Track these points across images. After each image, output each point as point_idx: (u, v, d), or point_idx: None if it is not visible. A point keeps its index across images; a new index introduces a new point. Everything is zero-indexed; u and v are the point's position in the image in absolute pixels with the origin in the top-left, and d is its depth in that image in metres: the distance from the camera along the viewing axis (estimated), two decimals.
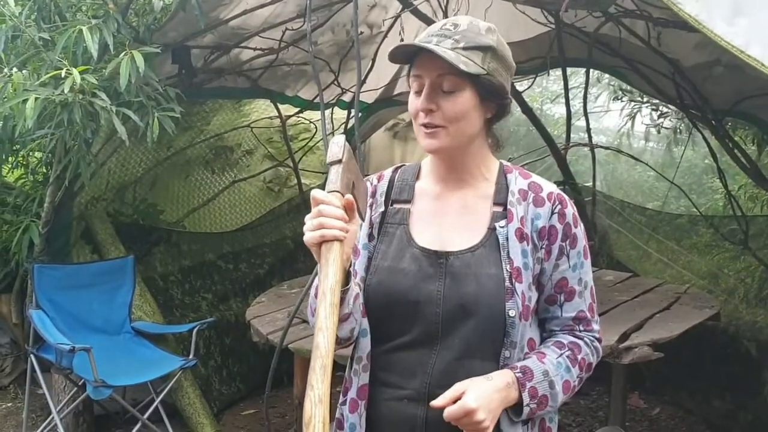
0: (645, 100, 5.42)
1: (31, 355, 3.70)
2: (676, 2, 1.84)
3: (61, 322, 3.74)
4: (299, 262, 5.17)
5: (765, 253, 4.07)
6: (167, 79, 3.76)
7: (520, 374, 1.37)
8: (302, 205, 5.49)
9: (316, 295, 1.36)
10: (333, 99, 5.12)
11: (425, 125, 1.41)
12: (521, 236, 1.42)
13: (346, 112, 5.44)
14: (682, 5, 1.83)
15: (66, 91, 2.93)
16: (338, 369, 1.38)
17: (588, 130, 5.23)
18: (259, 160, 5.65)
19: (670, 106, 4.95)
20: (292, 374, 3.80)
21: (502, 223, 1.44)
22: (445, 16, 3.98)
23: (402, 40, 4.17)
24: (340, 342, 1.41)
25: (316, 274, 1.34)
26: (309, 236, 1.27)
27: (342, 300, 1.32)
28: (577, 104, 5.65)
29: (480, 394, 1.32)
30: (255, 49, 4.40)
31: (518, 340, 1.39)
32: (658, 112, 5.52)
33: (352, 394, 1.48)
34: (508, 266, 1.40)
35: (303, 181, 5.63)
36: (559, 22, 4.21)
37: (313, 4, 3.23)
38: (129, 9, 3.48)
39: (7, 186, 4.38)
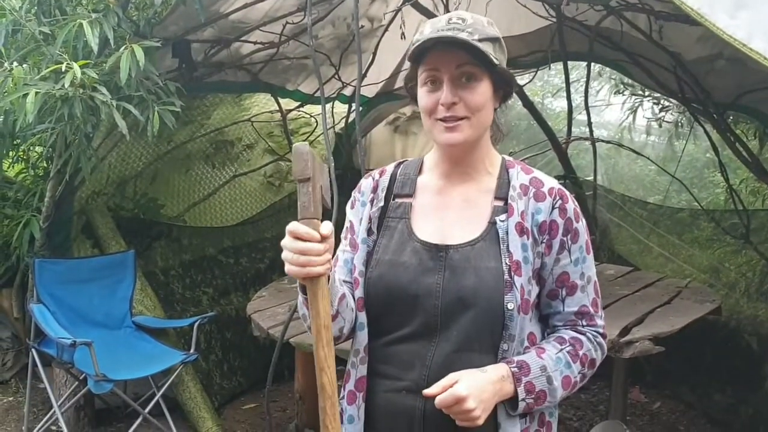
0: (646, 93, 5.40)
1: (33, 350, 3.70)
2: None
3: (62, 317, 3.74)
4: None
5: (766, 247, 4.07)
6: (168, 73, 3.75)
7: (516, 369, 1.37)
8: None
9: (304, 305, 1.41)
10: (334, 93, 5.11)
11: (445, 119, 1.41)
12: (521, 230, 1.43)
13: (346, 106, 5.43)
14: None
15: (66, 85, 2.93)
16: (340, 363, 1.39)
17: (589, 124, 5.22)
18: (259, 154, 5.64)
19: (671, 99, 4.94)
20: (293, 368, 3.82)
21: (503, 217, 1.44)
22: (447, 9, 3.97)
23: (403, 33, 4.16)
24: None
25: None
26: (294, 271, 1.28)
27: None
28: (578, 98, 5.63)
29: (472, 383, 1.33)
30: (255, 42, 4.40)
31: (517, 334, 1.40)
32: (660, 106, 5.51)
33: (350, 386, 1.50)
34: (507, 260, 1.41)
35: None
36: (560, 16, 4.20)
37: None
38: (129, 3, 3.47)
39: (8, 180, 4.38)
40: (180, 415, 3.83)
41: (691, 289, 3.58)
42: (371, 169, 1.65)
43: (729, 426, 3.90)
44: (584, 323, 1.48)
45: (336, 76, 4.84)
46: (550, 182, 1.49)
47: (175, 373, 3.69)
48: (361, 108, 4.77)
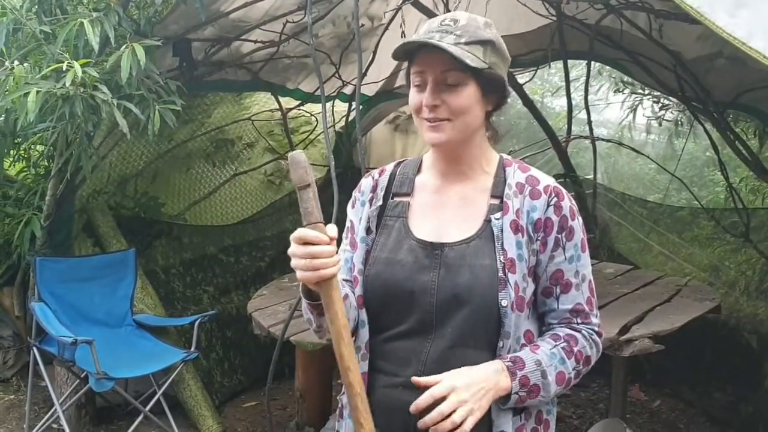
0: (646, 92, 5.40)
1: (34, 348, 3.71)
2: None
3: (63, 315, 3.75)
4: None
5: (766, 245, 4.07)
6: (168, 72, 3.76)
7: (510, 363, 1.38)
8: None
9: (309, 310, 1.44)
10: (334, 92, 5.11)
11: (429, 119, 1.43)
12: (516, 228, 1.44)
13: (347, 104, 5.44)
14: None
15: (67, 84, 2.93)
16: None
17: (589, 122, 5.22)
18: (260, 153, 5.64)
19: (671, 98, 4.94)
20: (293, 367, 3.82)
21: (498, 215, 1.46)
22: (447, 8, 3.97)
23: (403, 32, 4.17)
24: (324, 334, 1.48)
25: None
26: (307, 277, 1.30)
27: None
28: (578, 97, 5.63)
29: (463, 375, 1.35)
30: (256, 41, 4.40)
31: (512, 331, 1.41)
32: (660, 105, 5.51)
33: None
34: (501, 257, 1.42)
35: None
36: (560, 15, 4.21)
37: None
38: (130, 2, 3.47)
39: (9, 179, 4.38)
40: (181, 413, 3.84)
41: (691, 288, 3.59)
42: (371, 168, 1.67)
43: (729, 424, 3.91)
44: (579, 321, 1.49)
45: (336, 75, 4.84)
46: (546, 180, 1.50)
47: (176, 372, 3.70)
48: (361, 107, 4.77)
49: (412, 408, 1.34)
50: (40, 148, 4.36)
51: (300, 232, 1.30)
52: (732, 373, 3.95)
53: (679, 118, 5.51)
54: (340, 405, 1.57)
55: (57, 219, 3.89)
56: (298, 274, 1.30)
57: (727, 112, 4.18)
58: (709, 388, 4.10)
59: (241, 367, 4.55)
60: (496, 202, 1.48)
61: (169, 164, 5.00)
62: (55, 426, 3.77)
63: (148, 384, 3.84)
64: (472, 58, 1.38)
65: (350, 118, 5.43)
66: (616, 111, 6.63)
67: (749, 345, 3.91)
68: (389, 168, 1.62)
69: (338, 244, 1.51)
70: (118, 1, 3.27)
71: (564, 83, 5.24)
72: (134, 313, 4.03)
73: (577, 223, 1.48)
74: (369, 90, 5.19)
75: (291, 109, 5.46)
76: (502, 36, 1.48)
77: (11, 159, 4.34)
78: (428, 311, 1.43)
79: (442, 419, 1.31)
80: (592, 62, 5.06)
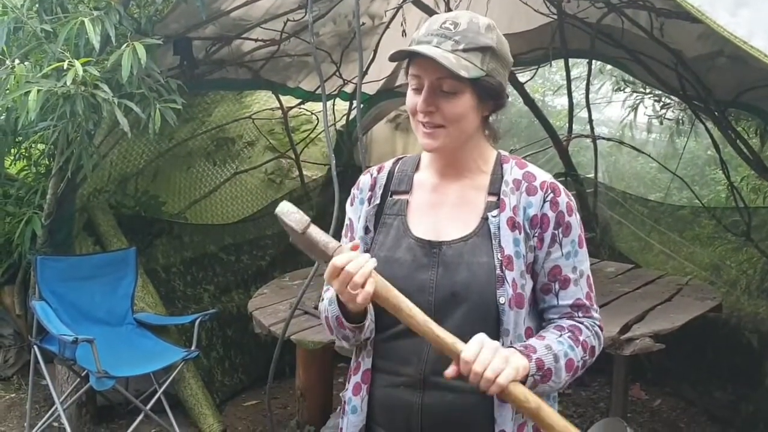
0: (647, 91, 5.40)
1: (35, 346, 3.71)
2: None
3: (64, 314, 3.75)
4: (301, 253, 5.15)
5: (767, 244, 4.07)
6: (169, 71, 3.76)
7: (521, 348, 1.37)
8: (304, 197, 5.49)
9: (351, 329, 1.46)
10: (335, 90, 5.11)
11: (424, 124, 1.43)
12: (513, 225, 1.44)
13: (347, 103, 5.44)
14: None
15: (68, 83, 2.93)
16: (342, 360, 1.40)
17: (590, 121, 5.22)
18: (260, 151, 5.65)
19: (672, 97, 4.94)
20: (294, 365, 3.83)
21: (495, 212, 1.46)
22: (447, 6, 3.97)
23: (404, 31, 4.17)
24: (361, 341, 1.50)
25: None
26: (363, 295, 1.31)
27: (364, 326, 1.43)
28: (579, 95, 5.62)
29: (475, 340, 1.32)
30: (256, 40, 4.40)
31: (511, 328, 1.41)
32: (661, 103, 5.50)
33: (357, 378, 1.53)
34: (499, 254, 1.42)
35: (305, 172, 5.63)
36: (561, 13, 4.20)
37: None
38: (130, 0, 3.47)
39: (10, 178, 4.38)
40: (181, 412, 3.84)
41: (692, 287, 3.59)
42: (370, 167, 1.66)
43: (729, 423, 3.90)
44: (580, 315, 1.48)
45: (337, 74, 4.85)
46: (543, 176, 1.49)
47: (177, 370, 3.70)
48: (362, 105, 4.77)
49: (449, 374, 1.31)
50: (40, 146, 4.36)
51: (334, 263, 1.32)
52: (733, 372, 3.95)
53: (680, 117, 5.51)
54: (342, 402, 1.58)
55: (58, 218, 3.89)
56: (359, 299, 1.32)
57: (729, 111, 4.18)
58: (710, 387, 4.10)
59: (242, 366, 4.55)
60: (493, 199, 1.48)
61: (169, 163, 5.00)
62: (56, 424, 3.77)
63: (148, 383, 3.84)
64: (469, 67, 1.36)
65: (351, 117, 5.43)
66: (617, 110, 6.64)
67: (750, 344, 3.91)
68: (388, 165, 1.61)
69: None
70: None
71: (565, 82, 5.24)
72: (135, 311, 4.03)
73: (575, 219, 1.48)
74: (370, 88, 5.19)
75: (292, 108, 5.46)
76: (502, 34, 1.47)
77: (12, 158, 4.34)
78: (427, 310, 1.42)
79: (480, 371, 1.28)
80: (593, 61, 5.06)
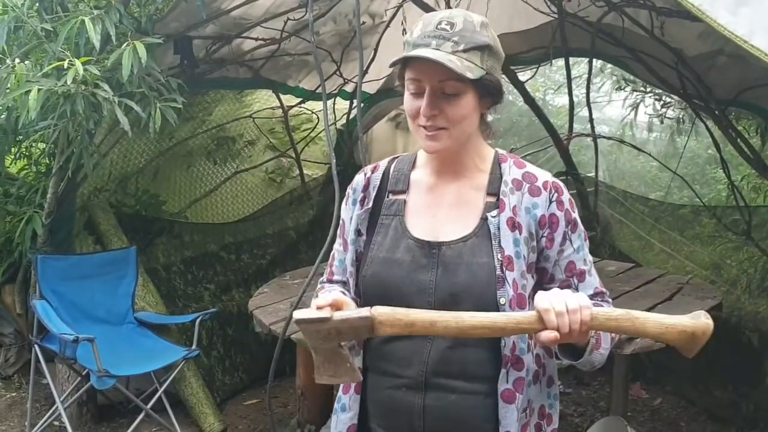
0: (648, 90, 5.40)
1: (35, 346, 3.71)
2: None
3: (65, 313, 3.75)
4: (301, 252, 5.18)
5: (767, 243, 4.07)
6: (169, 70, 3.76)
7: None
8: (304, 196, 5.50)
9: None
10: (335, 89, 5.11)
11: (426, 127, 1.42)
12: (513, 225, 1.44)
13: (348, 102, 5.43)
14: None
15: (69, 82, 2.93)
16: None
17: (591, 120, 5.22)
18: (261, 150, 5.65)
19: (673, 96, 4.94)
20: (294, 364, 3.82)
21: (494, 212, 1.45)
22: (447, 5, 3.97)
23: (404, 30, 4.17)
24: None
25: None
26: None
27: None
28: (579, 94, 5.63)
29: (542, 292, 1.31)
30: (257, 39, 4.40)
31: None
32: (661, 102, 5.51)
33: None
34: (499, 255, 1.42)
35: (305, 171, 5.63)
36: (561, 12, 4.20)
37: None
38: None
39: (11, 177, 4.38)
40: (182, 411, 3.84)
41: (693, 286, 3.58)
42: (367, 166, 1.65)
43: (730, 422, 3.90)
44: (600, 300, 1.50)
45: (337, 73, 4.84)
46: (544, 176, 1.50)
47: (177, 369, 3.70)
48: (362, 104, 4.77)
49: (545, 341, 1.28)
50: (41, 145, 4.36)
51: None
52: (733, 371, 3.95)
53: (680, 116, 5.51)
54: (336, 402, 1.58)
55: (58, 217, 3.89)
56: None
57: (729, 110, 4.17)
58: (710, 386, 4.10)
59: (243, 365, 4.55)
60: (492, 199, 1.47)
61: (170, 162, 5.00)
62: (56, 423, 3.78)
63: (149, 382, 3.84)
64: (472, 67, 1.36)
65: (351, 116, 5.43)
66: (618, 109, 6.65)
67: (750, 343, 3.91)
68: (383, 164, 1.60)
69: (332, 242, 1.51)
70: None
71: (565, 80, 5.24)
72: (135, 310, 4.03)
73: (577, 214, 1.50)
74: (370, 88, 5.19)
75: (292, 107, 5.46)
76: (503, 34, 1.47)
77: (13, 157, 4.34)
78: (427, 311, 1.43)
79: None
80: (594, 60, 5.06)
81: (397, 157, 1.62)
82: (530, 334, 1.40)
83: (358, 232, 1.54)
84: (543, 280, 1.48)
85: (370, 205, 1.54)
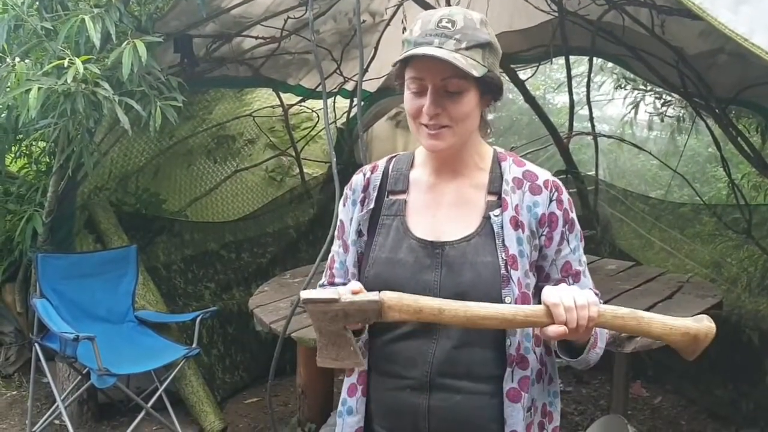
0: (648, 88, 5.40)
1: (36, 344, 3.71)
2: None
3: (65, 311, 3.75)
4: (302, 251, 5.19)
5: None
6: (169, 69, 3.75)
7: None
8: (304, 194, 5.50)
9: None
10: (335, 88, 5.11)
11: (428, 126, 1.41)
12: (516, 224, 1.44)
13: (348, 101, 5.43)
14: None
15: (69, 80, 2.93)
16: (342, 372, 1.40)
17: (591, 118, 5.21)
18: (261, 149, 5.65)
19: (673, 94, 4.94)
20: (294, 363, 3.82)
21: (497, 211, 1.45)
22: (448, 3, 3.96)
23: (404, 28, 4.16)
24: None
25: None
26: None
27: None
28: (580, 93, 5.62)
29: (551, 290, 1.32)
30: (257, 37, 4.40)
31: (519, 328, 1.40)
32: (662, 101, 5.51)
33: (352, 379, 1.52)
34: (503, 254, 1.41)
35: (305, 170, 5.63)
36: (562, 10, 4.20)
37: None
38: None
39: (11, 176, 4.38)
40: (182, 410, 3.84)
41: (693, 284, 3.58)
42: (365, 166, 1.64)
43: (730, 421, 3.90)
44: None
45: (337, 71, 4.84)
46: (544, 174, 1.50)
47: (178, 368, 3.70)
48: (362, 103, 4.77)
49: (553, 335, 1.29)
50: (41, 144, 4.36)
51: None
52: (733, 369, 3.95)
53: (681, 115, 5.51)
54: (341, 405, 1.56)
55: (58, 215, 3.89)
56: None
57: (730, 108, 4.17)
58: (710, 384, 4.10)
59: (243, 364, 4.55)
60: (494, 198, 1.47)
61: (170, 161, 5.00)
62: (57, 422, 3.78)
63: (149, 380, 3.84)
64: (475, 65, 1.35)
65: (352, 114, 5.43)
66: (618, 107, 6.65)
67: (751, 341, 3.91)
68: (382, 164, 1.58)
69: (332, 241, 1.50)
70: None
71: (566, 79, 5.23)
72: (136, 309, 4.03)
73: (574, 214, 1.50)
74: (370, 86, 5.19)
75: (292, 106, 5.46)
76: (503, 32, 1.47)
77: (13, 155, 4.34)
78: None
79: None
80: (594, 58, 5.05)
81: (395, 156, 1.61)
82: (535, 329, 1.41)
83: (359, 233, 1.53)
84: (539, 278, 1.48)
85: (372, 206, 1.53)
